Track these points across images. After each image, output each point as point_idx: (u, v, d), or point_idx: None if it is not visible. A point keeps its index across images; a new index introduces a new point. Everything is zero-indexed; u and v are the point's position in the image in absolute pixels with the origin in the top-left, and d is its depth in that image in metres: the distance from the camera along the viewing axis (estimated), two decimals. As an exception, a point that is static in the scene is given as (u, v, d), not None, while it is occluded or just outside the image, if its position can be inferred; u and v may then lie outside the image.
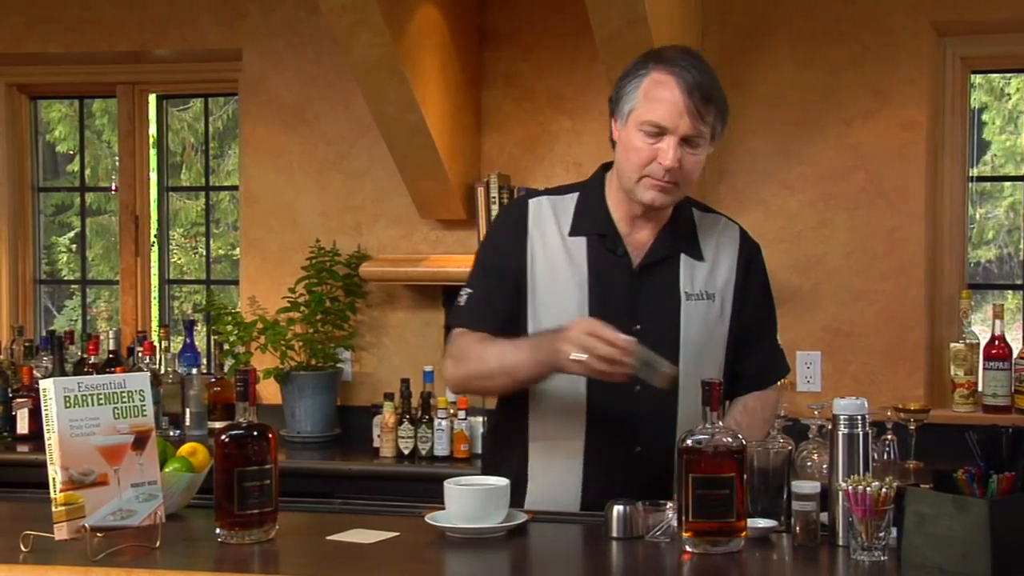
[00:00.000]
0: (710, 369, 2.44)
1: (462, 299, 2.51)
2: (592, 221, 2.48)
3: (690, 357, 2.44)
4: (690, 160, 2.38)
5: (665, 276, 2.47)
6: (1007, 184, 5.32)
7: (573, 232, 2.47)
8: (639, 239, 2.48)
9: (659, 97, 2.35)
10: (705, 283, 2.49)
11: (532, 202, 2.52)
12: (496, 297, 2.47)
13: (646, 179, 2.38)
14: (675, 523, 2.14)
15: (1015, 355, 3.97)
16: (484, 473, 2.45)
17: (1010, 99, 6.75)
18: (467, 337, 2.47)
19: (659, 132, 2.35)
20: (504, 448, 2.55)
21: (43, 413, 2.18)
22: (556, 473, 2.46)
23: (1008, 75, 4.73)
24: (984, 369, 3.99)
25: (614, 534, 2.18)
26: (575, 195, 2.53)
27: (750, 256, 2.56)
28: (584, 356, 2.22)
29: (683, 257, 2.49)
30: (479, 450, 3.91)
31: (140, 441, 2.23)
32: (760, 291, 2.59)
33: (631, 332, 2.32)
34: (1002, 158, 6.35)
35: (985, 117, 6.19)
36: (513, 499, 2.28)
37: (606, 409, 2.42)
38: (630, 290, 2.45)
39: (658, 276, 2.47)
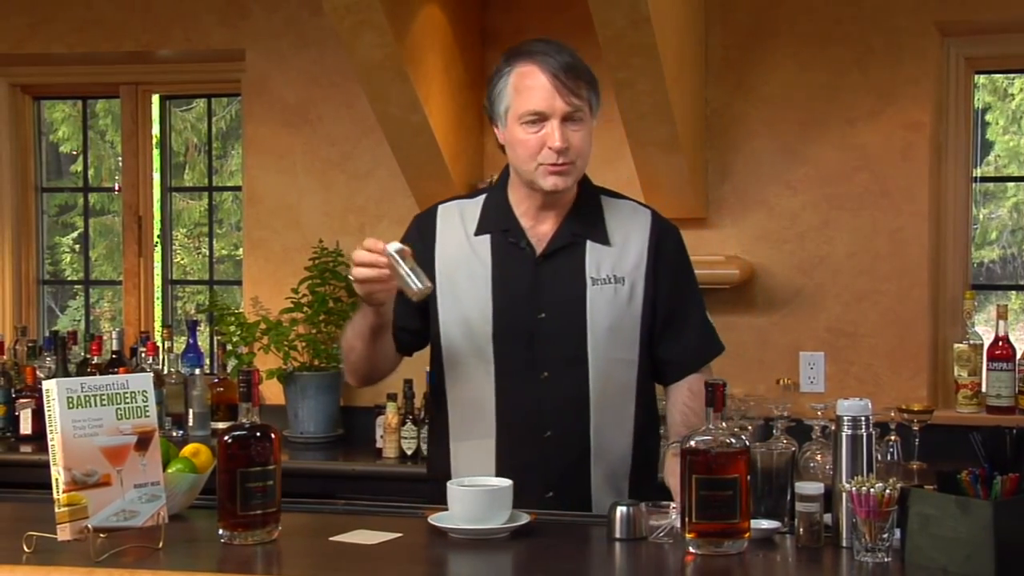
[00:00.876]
0: (623, 352, 2.51)
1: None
2: (495, 219, 2.56)
3: (599, 341, 2.49)
4: (576, 137, 2.44)
5: (569, 263, 2.52)
6: (1010, 184, 5.31)
7: (478, 231, 2.56)
8: (542, 231, 2.54)
9: (528, 86, 2.43)
10: (613, 267, 2.52)
11: (441, 208, 2.63)
12: (404, 306, 2.52)
13: (541, 167, 2.45)
14: (678, 524, 2.14)
15: (1019, 356, 3.97)
16: (427, 471, 2.55)
17: (1014, 99, 6.75)
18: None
19: (539, 119, 2.42)
20: (433, 446, 2.66)
21: (46, 414, 2.17)
22: (473, 464, 2.50)
23: (1012, 75, 4.72)
24: (988, 370, 3.98)
25: (617, 535, 2.18)
26: (483, 197, 2.62)
27: (661, 238, 2.58)
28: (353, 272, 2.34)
29: (589, 243, 2.53)
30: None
31: (143, 442, 2.23)
32: (678, 272, 2.60)
33: (535, 320, 2.47)
34: (1005, 158, 6.34)
35: (988, 117, 6.19)
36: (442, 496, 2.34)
37: (514, 398, 2.49)
38: (533, 280, 2.51)
39: (561, 263, 2.52)
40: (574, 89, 2.42)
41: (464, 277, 2.53)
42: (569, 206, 2.54)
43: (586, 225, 2.54)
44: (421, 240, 2.58)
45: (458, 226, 2.58)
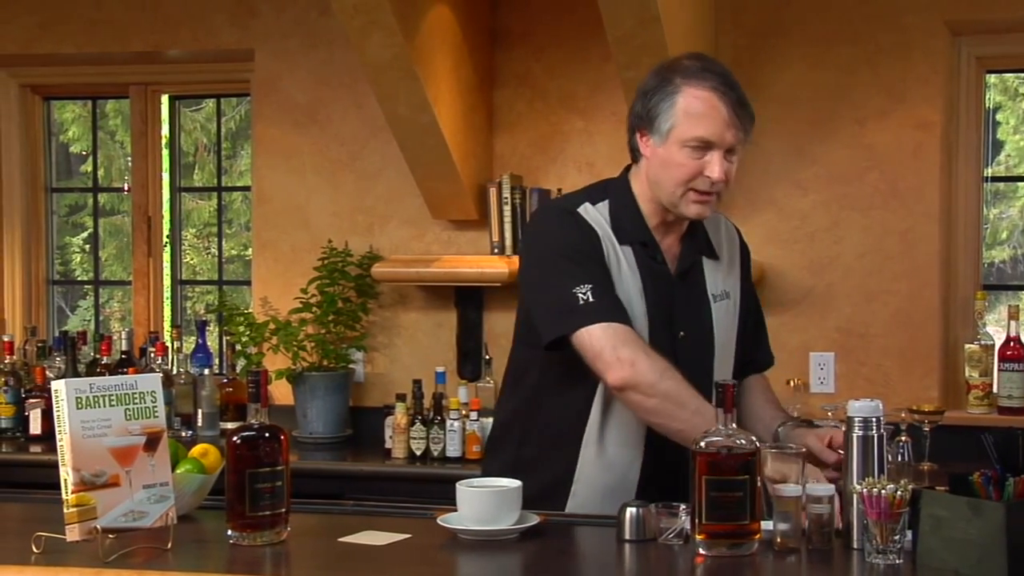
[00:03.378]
0: (729, 368, 2.55)
1: (586, 296, 2.36)
2: (633, 230, 2.49)
3: (721, 358, 2.53)
4: (732, 169, 2.45)
5: (696, 281, 2.54)
6: (1021, 184, 5.30)
7: (620, 240, 2.48)
8: (669, 245, 2.52)
9: (704, 114, 2.39)
10: (723, 283, 2.57)
11: (580, 209, 2.48)
12: (615, 292, 2.41)
13: (691, 192, 2.42)
14: (688, 525, 2.13)
15: (1030, 356, 3.95)
16: (500, 473, 2.38)
17: (1024, 99, 6.71)
18: (653, 347, 2.37)
19: (704, 147, 2.39)
20: (548, 448, 2.50)
21: (55, 414, 2.17)
22: (613, 471, 2.46)
23: (1023, 75, 4.71)
24: (999, 370, 3.97)
25: (627, 536, 2.17)
26: (606, 202, 2.51)
27: (743, 247, 2.67)
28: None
29: (705, 260, 2.56)
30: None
31: (152, 442, 2.23)
32: (750, 279, 2.70)
33: (675, 339, 2.46)
34: (1016, 158, 6.32)
35: (999, 117, 6.16)
36: (552, 503, 2.33)
37: None
38: (672, 297, 2.50)
39: (691, 282, 2.53)
40: (743, 125, 2.41)
41: (626, 284, 2.44)
42: (687, 223, 2.52)
43: (702, 241, 2.56)
44: (591, 240, 2.44)
45: (607, 232, 2.47)
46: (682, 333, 2.48)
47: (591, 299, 2.36)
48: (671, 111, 2.41)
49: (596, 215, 2.48)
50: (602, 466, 2.48)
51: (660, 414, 2.34)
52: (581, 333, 2.36)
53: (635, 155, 2.50)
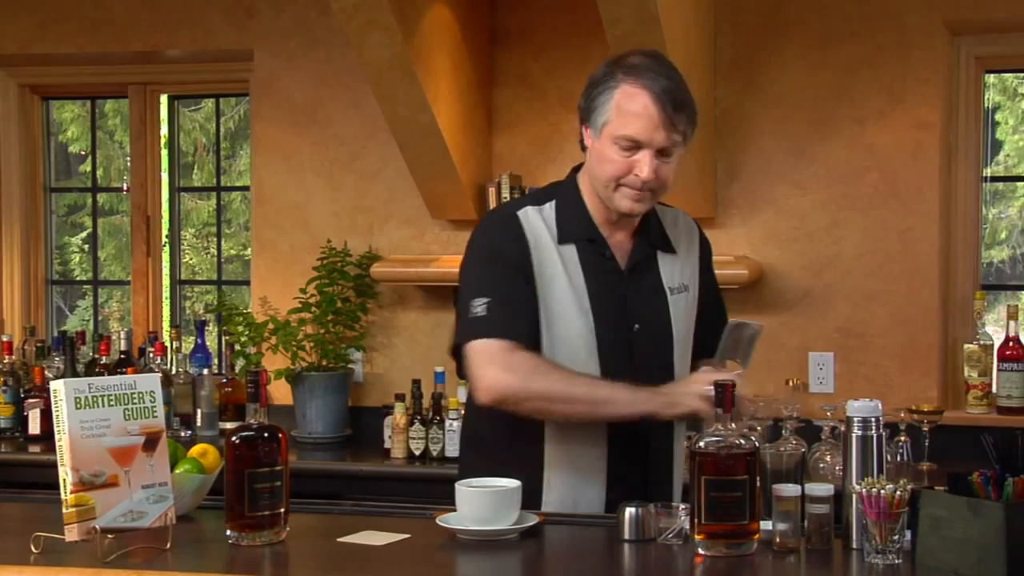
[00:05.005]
0: (689, 358, 2.57)
1: (479, 309, 2.40)
2: (578, 227, 2.50)
3: (680, 350, 2.54)
4: (665, 169, 2.42)
5: (650, 275, 2.53)
6: (1020, 184, 5.30)
7: (562, 240, 2.48)
8: (619, 241, 2.52)
9: (632, 112, 2.38)
10: (680, 276, 2.57)
11: (520, 213, 2.50)
12: (521, 304, 2.42)
13: (623, 188, 2.42)
14: (687, 525, 2.13)
15: (1029, 356, 3.95)
16: (475, 474, 2.37)
17: (1023, 99, 6.71)
18: (520, 353, 2.38)
19: (635, 146, 2.38)
20: (508, 455, 2.49)
21: (54, 414, 2.18)
22: (580, 469, 2.46)
23: (1022, 75, 4.70)
24: (998, 370, 3.96)
25: (626, 536, 2.17)
26: (552, 203, 2.52)
27: (704, 243, 2.67)
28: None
29: (659, 254, 2.55)
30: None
31: (151, 442, 2.23)
32: (712, 271, 2.69)
33: (632, 333, 2.46)
34: (1015, 158, 6.31)
35: (998, 117, 6.16)
36: (525, 502, 2.29)
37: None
38: (623, 292, 2.50)
39: (644, 276, 2.53)
40: (676, 124, 2.39)
41: (562, 289, 2.45)
42: (640, 218, 2.53)
43: (655, 236, 2.56)
44: (518, 246, 2.45)
45: (544, 234, 2.47)
46: (637, 326, 2.49)
47: (483, 313, 2.40)
48: (606, 106, 2.41)
49: (536, 218, 2.49)
50: (568, 464, 2.48)
51: (551, 412, 2.40)
52: (467, 347, 2.41)
53: (583, 148, 2.51)
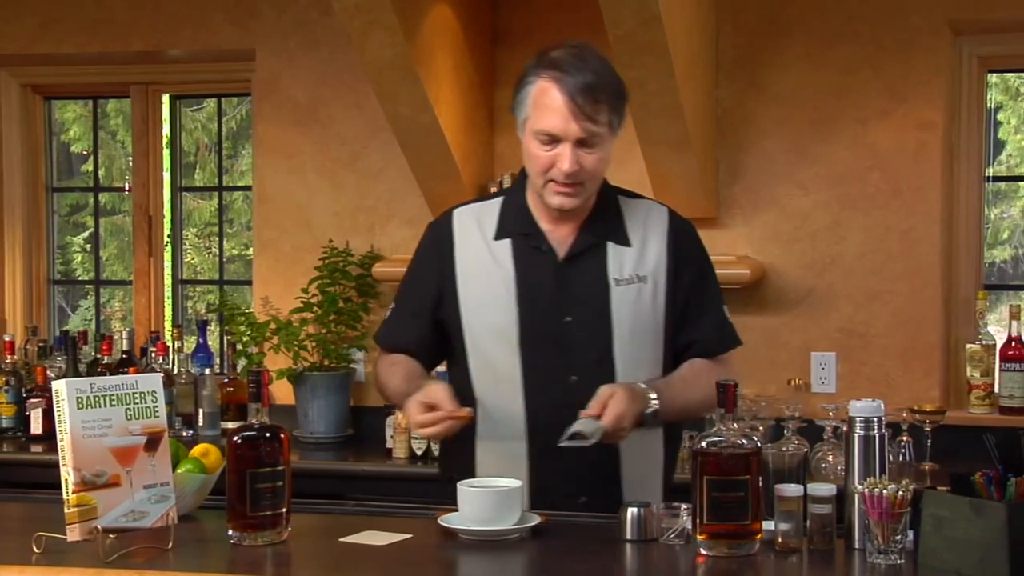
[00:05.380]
0: (648, 351, 2.52)
1: (387, 314, 2.70)
2: (515, 222, 2.54)
3: (624, 341, 2.50)
4: (590, 160, 2.42)
5: (592, 265, 2.51)
6: (1022, 184, 5.30)
7: (498, 235, 2.54)
8: (562, 234, 2.53)
9: (546, 105, 2.40)
10: (635, 267, 2.52)
11: (456, 213, 2.61)
12: (411, 320, 2.61)
13: (550, 184, 2.44)
14: (690, 525, 2.13)
15: (1032, 356, 3.95)
16: (442, 469, 2.54)
17: (1026, 99, 6.70)
18: (385, 358, 2.66)
19: (553, 140, 2.40)
20: (453, 445, 2.56)
21: (55, 414, 2.18)
22: (503, 466, 2.47)
23: (1024, 74, 4.71)
24: (1000, 370, 3.96)
25: (628, 536, 2.17)
26: (499, 200, 2.59)
27: (679, 235, 2.59)
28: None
29: (610, 245, 2.53)
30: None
31: (152, 442, 2.23)
32: (696, 267, 2.61)
33: (562, 324, 2.46)
34: (1017, 158, 6.31)
35: (1001, 117, 6.15)
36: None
37: (544, 403, 2.46)
38: (557, 283, 2.50)
39: (585, 266, 2.51)
40: (591, 114, 2.38)
41: (486, 283, 2.51)
42: (588, 209, 2.53)
43: (606, 227, 2.54)
44: (437, 250, 2.58)
45: (476, 231, 2.56)
46: (569, 318, 2.48)
47: (388, 318, 2.69)
48: (526, 102, 2.44)
49: (472, 216, 2.58)
50: (494, 459, 2.50)
51: (390, 401, 2.67)
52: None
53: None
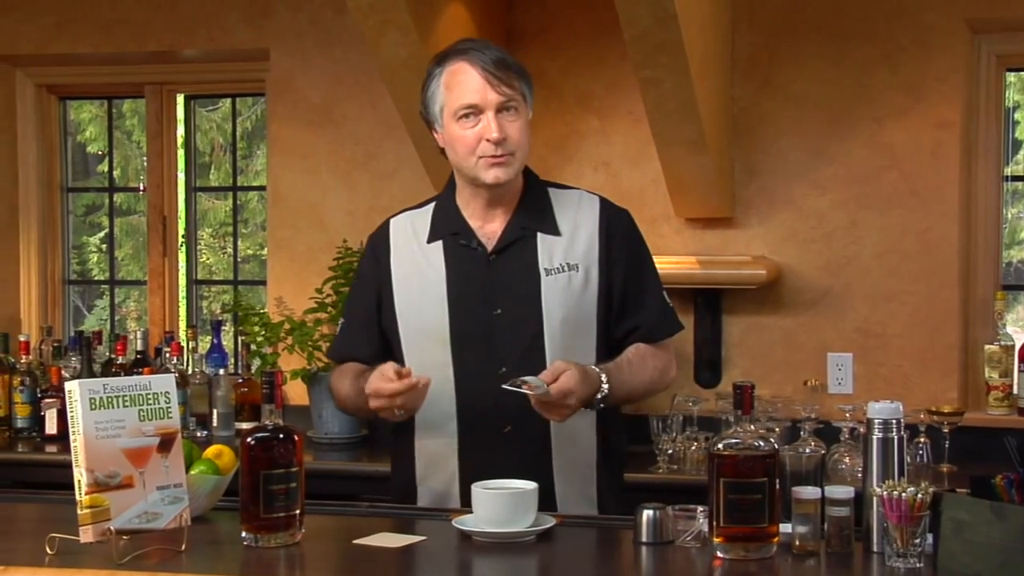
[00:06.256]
0: (580, 339, 2.54)
1: (338, 329, 2.77)
2: (445, 224, 2.60)
3: (555, 330, 2.52)
4: (514, 127, 2.49)
5: (521, 257, 2.55)
6: (1041, 183, 5.25)
7: (430, 238, 2.60)
8: (492, 229, 2.58)
9: (460, 82, 2.49)
10: (565, 256, 2.55)
11: (393, 221, 2.68)
12: (361, 332, 2.65)
13: (482, 160, 2.49)
14: (706, 528, 2.11)
15: (1051, 357, 3.92)
16: (393, 472, 2.66)
17: (1044, 97, 6.66)
18: (334, 370, 2.74)
19: (474, 112, 2.47)
20: (398, 446, 2.66)
21: (68, 415, 2.17)
22: (437, 462, 2.56)
23: (1043, 73, 4.67)
24: (1019, 371, 3.94)
25: (644, 539, 2.16)
26: (432, 205, 2.66)
27: (611, 223, 2.62)
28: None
29: (540, 236, 2.57)
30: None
31: (165, 443, 2.22)
32: (631, 254, 2.63)
33: (492, 317, 2.51)
34: (1035, 157, 6.26)
35: (1019, 115, 6.11)
36: (410, 500, 2.50)
37: (473, 396, 2.51)
38: (486, 278, 2.54)
39: (513, 258, 2.55)
40: (505, 80, 2.47)
41: (419, 286, 2.57)
42: (516, 202, 2.58)
43: (535, 218, 2.58)
44: (375, 260, 2.65)
45: (410, 237, 2.62)
46: (498, 311, 2.52)
47: (338, 333, 2.76)
48: (437, 93, 2.52)
49: (407, 223, 2.66)
50: (428, 455, 2.57)
51: (345, 409, 2.76)
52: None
53: (444, 153, 2.60)
